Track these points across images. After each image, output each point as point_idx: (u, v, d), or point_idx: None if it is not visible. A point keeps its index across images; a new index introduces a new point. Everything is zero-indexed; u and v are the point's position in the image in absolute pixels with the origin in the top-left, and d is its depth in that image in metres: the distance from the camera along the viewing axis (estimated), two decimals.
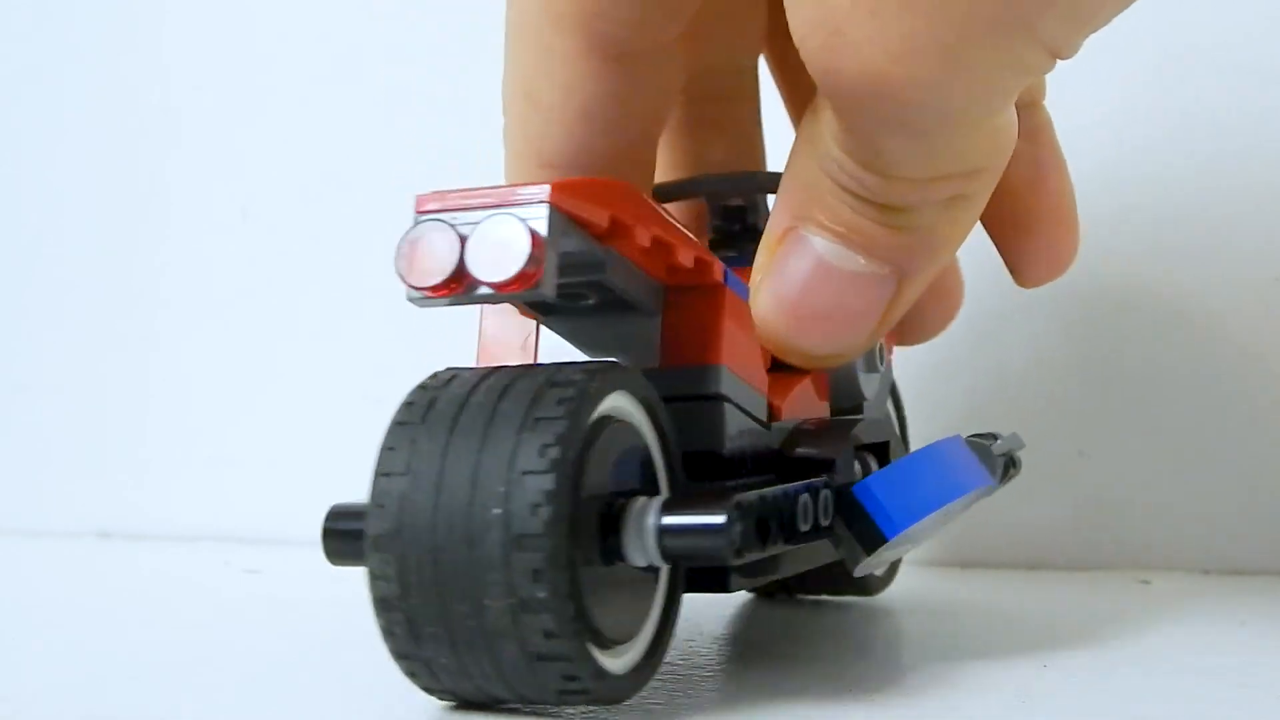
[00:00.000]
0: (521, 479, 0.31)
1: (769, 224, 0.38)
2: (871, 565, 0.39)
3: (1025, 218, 0.43)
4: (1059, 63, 0.33)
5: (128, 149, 0.67)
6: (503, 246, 0.32)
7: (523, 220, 0.32)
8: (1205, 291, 0.58)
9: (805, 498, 0.36)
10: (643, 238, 0.35)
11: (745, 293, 0.37)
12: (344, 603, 0.47)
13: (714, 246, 0.44)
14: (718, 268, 0.37)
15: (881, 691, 0.36)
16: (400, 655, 0.33)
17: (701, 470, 0.36)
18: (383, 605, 0.32)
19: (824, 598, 0.49)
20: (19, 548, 0.60)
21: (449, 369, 0.34)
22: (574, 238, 0.34)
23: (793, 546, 0.36)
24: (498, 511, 0.31)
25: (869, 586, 0.49)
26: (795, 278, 0.37)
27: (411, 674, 0.33)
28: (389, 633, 0.32)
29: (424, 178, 0.64)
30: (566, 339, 0.39)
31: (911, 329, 0.47)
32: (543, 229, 0.32)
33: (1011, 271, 0.45)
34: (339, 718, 0.36)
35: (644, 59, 0.41)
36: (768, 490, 0.35)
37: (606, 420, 0.33)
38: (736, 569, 0.37)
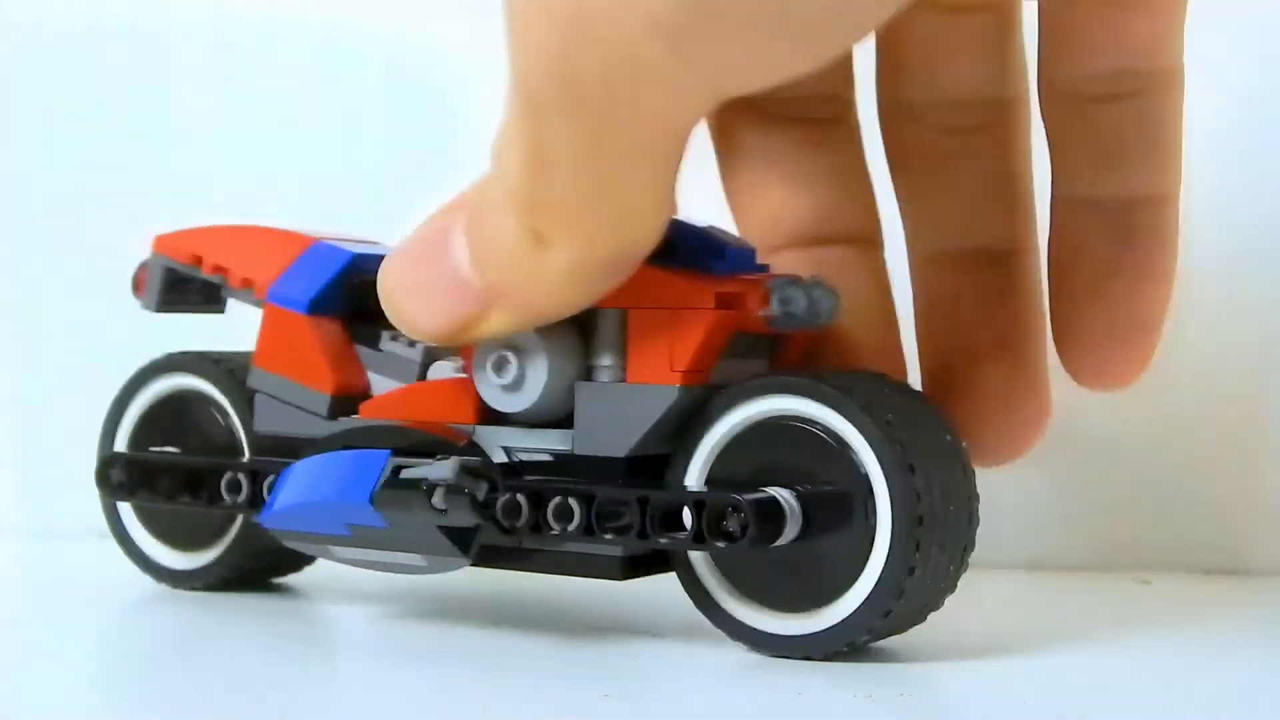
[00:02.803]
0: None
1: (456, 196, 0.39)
2: (299, 545, 0.42)
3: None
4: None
5: (130, 143, 0.67)
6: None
7: (146, 257, 0.48)
8: (1206, 290, 0.58)
9: (231, 475, 0.44)
10: (209, 268, 0.47)
11: (300, 308, 0.44)
12: (345, 601, 0.47)
13: None
14: (260, 286, 0.45)
15: (881, 691, 0.36)
16: None
17: (260, 445, 0.45)
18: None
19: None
20: (19, 548, 0.60)
21: None
22: (187, 270, 0.47)
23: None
24: None
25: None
26: (418, 250, 0.39)
27: None
28: None
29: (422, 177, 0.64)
30: None
31: (981, 449, 0.43)
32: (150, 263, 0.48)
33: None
34: (340, 716, 0.36)
35: None
36: (186, 462, 0.46)
37: (178, 393, 0.48)
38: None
